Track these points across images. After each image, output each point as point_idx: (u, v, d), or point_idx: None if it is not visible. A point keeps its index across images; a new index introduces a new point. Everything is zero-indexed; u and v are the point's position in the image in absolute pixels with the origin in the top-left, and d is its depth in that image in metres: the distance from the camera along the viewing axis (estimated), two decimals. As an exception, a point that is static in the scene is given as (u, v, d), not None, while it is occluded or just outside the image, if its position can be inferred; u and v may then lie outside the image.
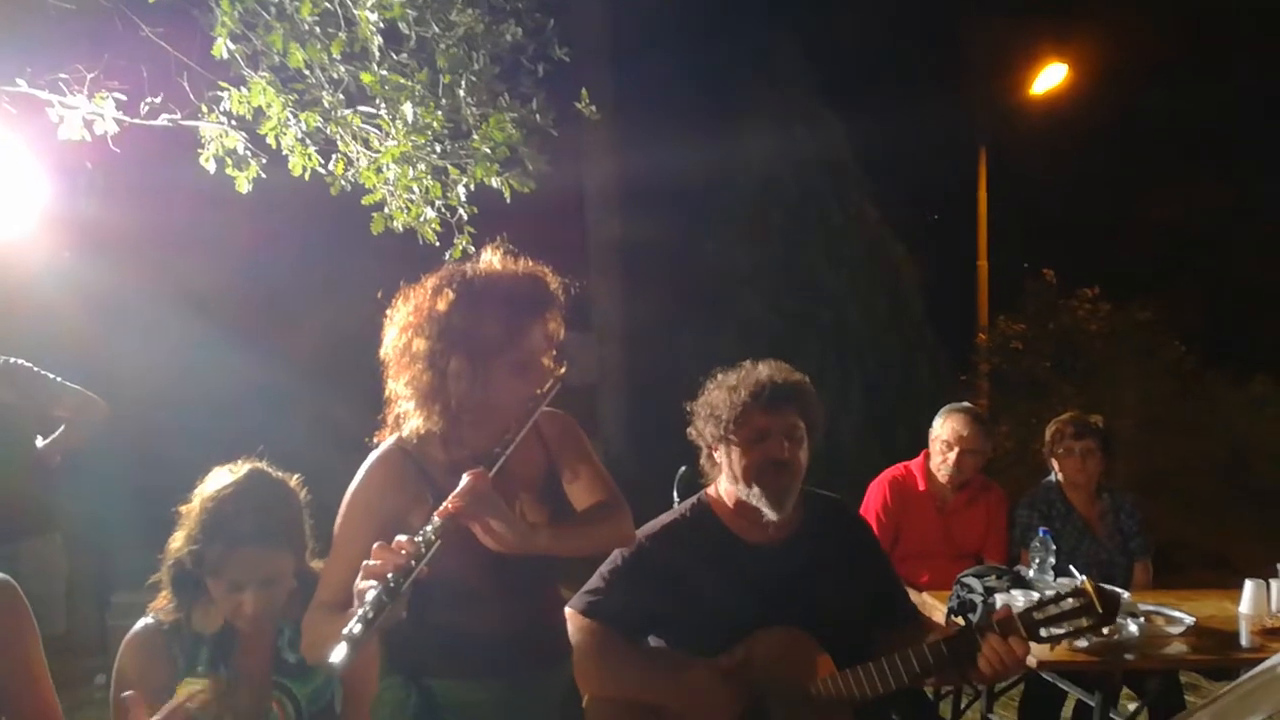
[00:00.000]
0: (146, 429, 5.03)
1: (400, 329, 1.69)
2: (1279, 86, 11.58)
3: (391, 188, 3.46)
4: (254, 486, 1.83)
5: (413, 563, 1.42)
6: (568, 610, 2.03)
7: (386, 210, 3.53)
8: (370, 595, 1.39)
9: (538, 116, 3.45)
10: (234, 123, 3.24)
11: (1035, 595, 2.51)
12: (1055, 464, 3.60)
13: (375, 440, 1.76)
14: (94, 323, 5.03)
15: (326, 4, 3.09)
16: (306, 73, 3.19)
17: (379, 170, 3.40)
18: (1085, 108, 10.94)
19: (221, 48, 3.03)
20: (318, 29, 3.10)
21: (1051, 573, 3.03)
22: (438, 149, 3.43)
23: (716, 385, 2.21)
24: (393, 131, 3.29)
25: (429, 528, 1.47)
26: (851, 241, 8.30)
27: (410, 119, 3.25)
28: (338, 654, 1.33)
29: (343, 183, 3.45)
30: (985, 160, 9.83)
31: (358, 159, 3.41)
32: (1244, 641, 2.70)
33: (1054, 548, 3.09)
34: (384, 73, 3.20)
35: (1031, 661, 2.48)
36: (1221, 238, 11.65)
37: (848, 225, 8.34)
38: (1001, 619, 1.90)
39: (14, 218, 3.38)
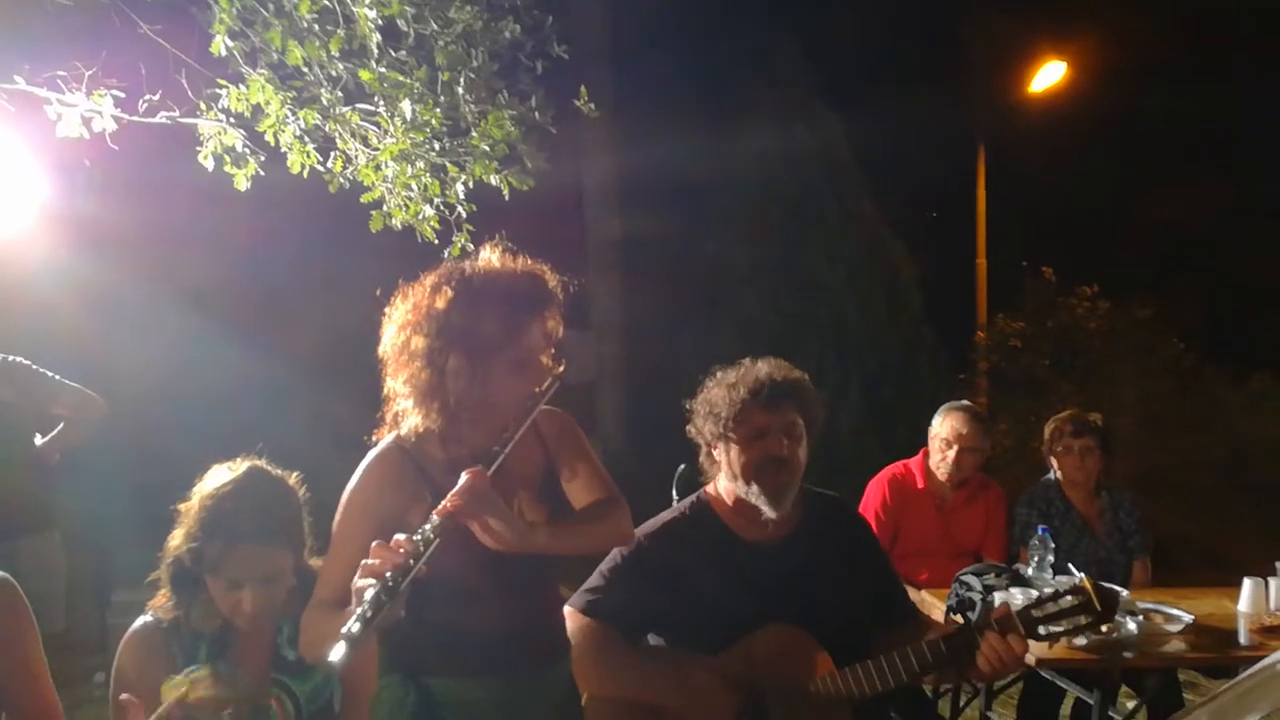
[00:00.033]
0: (145, 427, 5.03)
1: (399, 327, 1.68)
2: (1279, 86, 11.56)
3: (390, 185, 3.46)
4: (253, 484, 1.83)
5: (411, 561, 1.42)
6: (567, 609, 2.03)
7: (385, 208, 3.53)
8: (369, 594, 1.39)
9: (536, 114, 3.45)
10: (232, 120, 3.23)
11: (1034, 593, 2.51)
12: (1054, 462, 3.61)
13: (374, 438, 1.76)
14: (92, 320, 5.03)
15: (325, 1, 3.09)
16: (305, 70, 3.19)
17: (377, 168, 3.40)
18: (1084, 106, 10.93)
19: (220, 45, 3.03)
20: (316, 26, 3.10)
21: (1050, 571, 3.03)
22: (436, 146, 3.43)
23: (715, 383, 2.21)
24: (391, 129, 3.29)
25: (427, 526, 1.47)
26: (851, 240, 8.29)
27: (409, 116, 3.25)
28: (337, 652, 1.33)
29: (341, 180, 3.45)
30: (984, 158, 9.84)
31: (356, 156, 3.40)
32: (1243, 639, 2.70)
33: (1053, 546, 3.09)
34: (382, 70, 3.20)
35: (1030, 659, 2.47)
36: (1221, 236, 11.63)
37: (847, 224, 8.33)
38: (1000, 617, 1.90)
39: (12, 215, 3.38)
